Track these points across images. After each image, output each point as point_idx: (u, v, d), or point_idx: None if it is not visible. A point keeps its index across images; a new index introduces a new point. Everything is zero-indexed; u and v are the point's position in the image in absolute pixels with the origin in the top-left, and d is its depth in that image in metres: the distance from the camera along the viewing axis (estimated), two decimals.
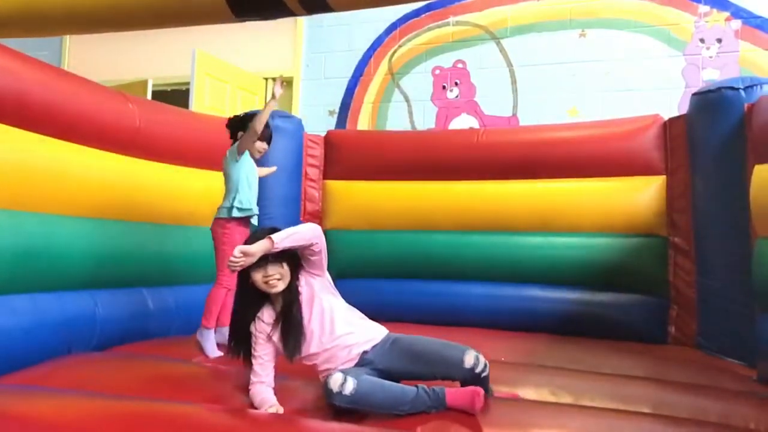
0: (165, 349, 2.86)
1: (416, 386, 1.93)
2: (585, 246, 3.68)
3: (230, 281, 2.89)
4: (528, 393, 2.30)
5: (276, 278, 2.04)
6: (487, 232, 3.87)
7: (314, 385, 2.10)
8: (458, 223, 3.93)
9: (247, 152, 3.00)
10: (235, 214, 2.95)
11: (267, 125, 3.01)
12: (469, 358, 1.97)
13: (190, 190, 3.56)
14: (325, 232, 4.06)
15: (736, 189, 3.04)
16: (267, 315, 2.12)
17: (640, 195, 3.62)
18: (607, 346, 3.19)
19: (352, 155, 4.24)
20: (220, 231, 2.98)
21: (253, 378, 2.07)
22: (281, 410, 1.95)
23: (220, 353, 2.83)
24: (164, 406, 1.86)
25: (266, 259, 2.01)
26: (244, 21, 2.22)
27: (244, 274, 2.08)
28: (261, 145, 3.05)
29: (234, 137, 3.06)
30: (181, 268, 3.48)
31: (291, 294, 2.09)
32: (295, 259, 2.10)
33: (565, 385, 2.35)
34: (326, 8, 2.05)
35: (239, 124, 3.05)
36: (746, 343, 2.88)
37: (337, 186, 4.26)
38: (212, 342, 2.87)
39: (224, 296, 2.93)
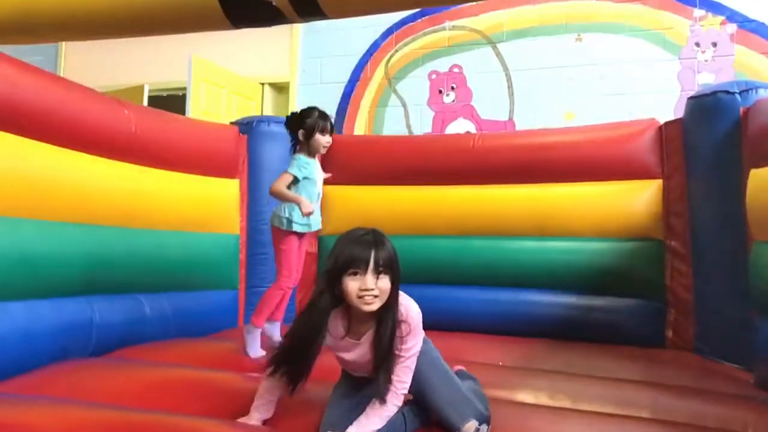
0: (162, 354, 2.84)
1: (403, 414, 1.81)
2: (582, 250, 3.67)
3: (289, 283, 2.91)
4: (526, 397, 2.31)
5: (374, 294, 1.69)
6: (484, 236, 3.86)
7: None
8: (455, 227, 3.92)
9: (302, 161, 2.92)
10: (288, 227, 2.89)
11: (326, 116, 2.94)
12: (468, 430, 1.76)
13: (186, 196, 3.54)
14: (322, 238, 4.13)
15: (732, 193, 3.03)
16: (334, 327, 1.80)
17: (636, 199, 3.61)
18: (604, 351, 3.18)
19: (348, 160, 4.24)
20: (277, 239, 2.94)
21: (264, 378, 1.87)
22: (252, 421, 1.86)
23: (262, 353, 2.82)
24: (161, 418, 1.84)
25: (368, 265, 1.69)
26: (241, 28, 2.22)
27: (334, 278, 1.73)
28: (325, 140, 2.94)
29: (295, 135, 2.96)
30: (178, 274, 3.46)
31: (383, 319, 1.73)
32: (398, 274, 1.75)
33: (563, 389, 2.35)
34: (321, 15, 2.05)
35: (299, 123, 2.93)
36: (744, 346, 2.87)
37: (333, 191, 4.25)
38: (257, 342, 2.85)
39: (280, 298, 2.90)
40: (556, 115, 5.12)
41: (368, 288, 1.67)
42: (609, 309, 3.57)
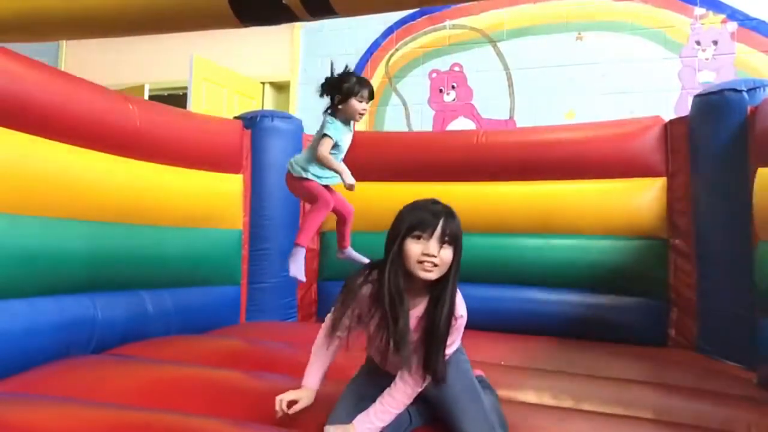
0: (163, 351, 2.83)
1: (408, 410, 1.78)
2: (585, 248, 3.66)
3: (329, 203, 2.86)
4: (528, 396, 2.30)
5: (435, 262, 1.63)
6: (487, 233, 3.85)
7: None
8: None
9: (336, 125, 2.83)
10: (309, 177, 2.84)
11: (365, 82, 2.83)
12: None
13: (189, 192, 3.53)
14: (324, 234, 4.12)
15: (737, 192, 3.02)
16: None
17: (640, 197, 3.60)
18: (607, 349, 3.17)
19: (350, 156, 4.22)
20: (294, 184, 2.89)
21: (319, 338, 1.83)
22: (302, 399, 1.78)
23: (302, 277, 2.82)
24: (163, 417, 1.83)
25: (434, 231, 1.63)
26: (250, 26, 2.20)
27: (396, 240, 1.66)
28: (361, 107, 2.83)
29: (331, 98, 2.85)
30: (180, 270, 3.45)
31: (439, 296, 1.67)
32: (461, 252, 1.69)
33: (566, 389, 2.35)
34: (331, 13, 2.02)
35: (335, 86, 2.82)
36: (747, 346, 2.87)
37: (335, 187, 4.24)
38: (300, 262, 2.82)
39: (323, 216, 2.84)
40: (556, 114, 5.11)
41: (431, 253, 1.61)
42: (612, 307, 3.56)
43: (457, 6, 5.48)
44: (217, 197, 3.72)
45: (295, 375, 2.23)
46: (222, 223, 3.72)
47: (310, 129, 4.35)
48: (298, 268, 2.83)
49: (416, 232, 1.63)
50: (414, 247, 1.63)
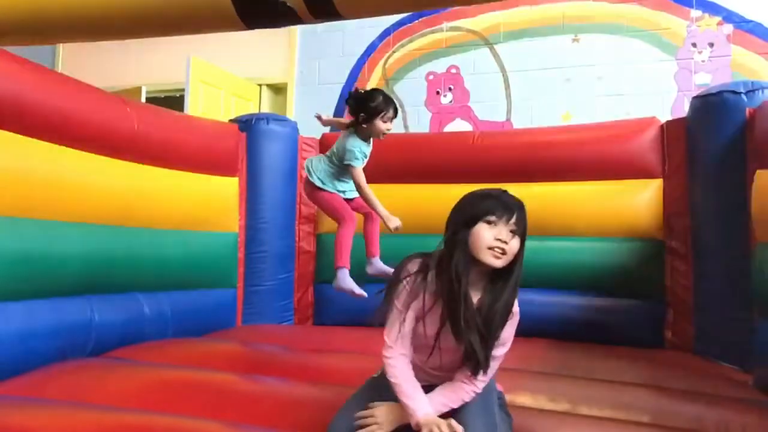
0: (160, 354, 2.83)
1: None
2: (581, 250, 3.66)
3: (353, 219, 2.82)
4: (524, 400, 2.29)
5: (505, 249, 1.59)
6: None
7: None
8: None
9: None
10: (330, 190, 2.84)
11: (391, 101, 2.78)
12: None
13: (185, 195, 3.53)
14: (320, 236, 4.11)
15: (735, 193, 3.03)
16: (434, 286, 1.67)
17: (636, 198, 3.60)
18: (603, 351, 3.17)
19: None
20: (312, 193, 2.87)
21: (395, 357, 1.68)
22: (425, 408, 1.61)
23: (359, 291, 2.75)
24: (160, 420, 1.84)
25: (510, 218, 1.60)
26: (254, 29, 2.21)
27: (465, 223, 1.63)
28: (386, 127, 2.78)
29: (355, 116, 2.80)
30: (177, 273, 3.45)
31: (500, 288, 1.63)
32: (524, 250, 1.64)
33: (563, 392, 2.34)
34: (335, 15, 2.02)
35: (361, 104, 2.77)
36: (743, 348, 2.87)
37: None
38: (349, 281, 2.78)
39: (351, 233, 2.79)
40: (553, 116, 5.12)
41: (503, 239, 1.57)
42: (608, 309, 3.57)
43: (456, 8, 5.48)
44: (213, 200, 3.72)
45: (290, 378, 2.23)
46: (218, 226, 3.72)
47: (306, 131, 4.36)
48: (351, 286, 2.79)
49: (491, 218, 1.60)
50: (487, 233, 1.59)
